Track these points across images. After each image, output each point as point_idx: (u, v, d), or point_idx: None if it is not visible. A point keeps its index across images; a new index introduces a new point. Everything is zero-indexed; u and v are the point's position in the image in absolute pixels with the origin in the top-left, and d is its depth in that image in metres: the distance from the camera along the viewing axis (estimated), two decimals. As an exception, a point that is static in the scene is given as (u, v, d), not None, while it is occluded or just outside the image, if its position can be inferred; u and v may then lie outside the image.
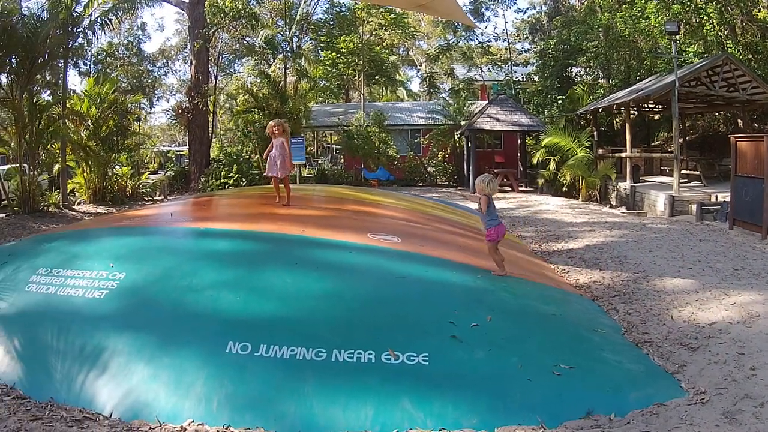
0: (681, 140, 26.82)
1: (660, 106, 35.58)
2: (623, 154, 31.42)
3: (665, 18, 33.07)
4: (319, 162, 54.72)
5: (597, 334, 9.11)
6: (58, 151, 32.82)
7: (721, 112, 38.20)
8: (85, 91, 35.45)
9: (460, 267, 11.48)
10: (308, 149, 51.62)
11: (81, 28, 31.83)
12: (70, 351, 8.08)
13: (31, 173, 27.57)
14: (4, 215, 26.09)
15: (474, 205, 13.10)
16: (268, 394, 7.19)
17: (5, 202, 29.38)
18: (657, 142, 41.69)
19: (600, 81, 44.50)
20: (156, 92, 77.62)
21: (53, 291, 9.65)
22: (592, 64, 44.70)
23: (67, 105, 32.52)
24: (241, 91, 47.48)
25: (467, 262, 11.94)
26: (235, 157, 41.03)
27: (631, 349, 8.77)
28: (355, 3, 52.40)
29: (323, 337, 7.99)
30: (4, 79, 27.98)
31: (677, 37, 28.54)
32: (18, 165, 27.58)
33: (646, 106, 35.57)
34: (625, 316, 10.54)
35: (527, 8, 74.65)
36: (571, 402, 7.03)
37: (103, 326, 8.49)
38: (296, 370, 7.44)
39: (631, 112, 33.48)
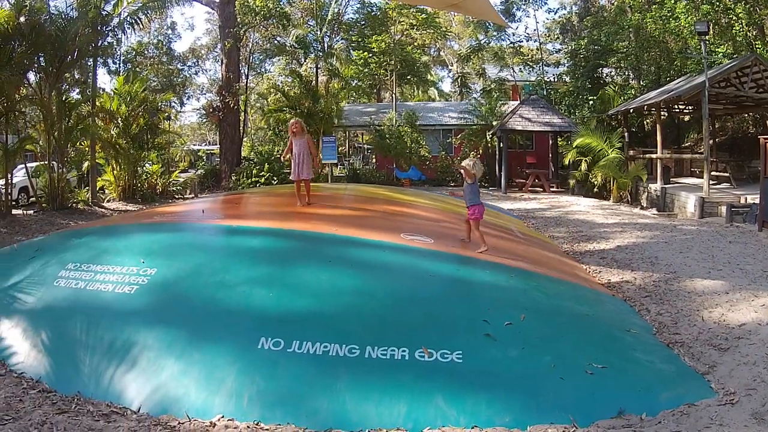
0: (711, 142, 26.63)
1: (690, 107, 35.30)
2: (654, 156, 31.17)
3: (695, 18, 32.89)
4: (351, 161, 54.63)
5: (629, 334, 9.09)
6: (87, 148, 33.03)
7: (751, 114, 37.92)
8: (115, 89, 35.65)
9: (492, 266, 11.47)
10: (340, 149, 51.53)
11: (110, 27, 31.98)
12: (99, 345, 8.14)
13: (60, 170, 27.66)
14: (32, 212, 26.25)
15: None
16: (300, 390, 7.20)
17: (33, 198, 29.54)
18: (687, 144, 41.42)
19: (631, 82, 44.24)
20: (186, 91, 77.48)
21: (83, 286, 9.70)
22: (622, 65, 44.43)
23: (97, 103, 32.66)
24: (272, 90, 47.44)
25: (500, 262, 11.92)
26: (266, 155, 41.20)
27: (663, 350, 8.76)
28: (387, 3, 52.46)
29: (357, 334, 7.99)
30: (32, 77, 28.06)
31: (707, 37, 28.33)
32: (47, 162, 27.67)
33: (676, 107, 35.28)
34: (657, 316, 10.51)
35: (558, 8, 74.32)
36: (603, 401, 7.02)
37: (132, 321, 8.54)
38: (329, 367, 7.46)
39: (662, 113, 33.22)
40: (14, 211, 25.54)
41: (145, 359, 7.77)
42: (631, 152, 34.93)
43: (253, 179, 39.16)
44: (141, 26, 35.70)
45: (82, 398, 7.31)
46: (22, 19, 23.83)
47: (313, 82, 46.21)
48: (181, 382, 7.39)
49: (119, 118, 33.58)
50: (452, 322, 8.51)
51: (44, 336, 8.63)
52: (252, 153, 49.28)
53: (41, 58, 26.93)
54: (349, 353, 7.61)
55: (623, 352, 8.37)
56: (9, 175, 25.51)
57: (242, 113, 50.28)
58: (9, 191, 25.46)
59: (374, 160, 50.95)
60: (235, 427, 6.70)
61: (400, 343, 7.79)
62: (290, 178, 15.81)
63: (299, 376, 7.36)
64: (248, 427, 6.71)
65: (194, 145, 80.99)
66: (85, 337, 8.35)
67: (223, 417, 6.87)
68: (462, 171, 13.18)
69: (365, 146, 60.38)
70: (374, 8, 56.70)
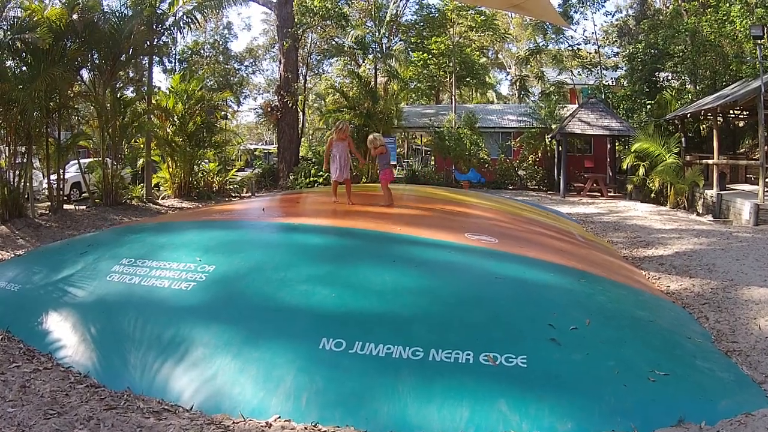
0: (766, 148, 26.28)
1: (746, 113, 34.97)
2: (710, 161, 30.90)
3: (749, 22, 32.58)
4: (410, 163, 54.71)
5: (690, 342, 8.88)
6: (142, 145, 33.41)
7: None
8: (171, 87, 35.96)
9: (557, 269, 11.35)
10: (398, 150, 51.62)
11: (166, 26, 32.24)
12: (152, 341, 8.18)
13: (114, 166, 27.94)
14: (84, 207, 26.40)
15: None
16: (360, 392, 7.11)
17: (86, 194, 29.91)
18: (742, 150, 41.02)
19: (687, 86, 43.84)
20: (243, 91, 77.89)
21: (137, 281, 9.76)
22: (679, 69, 44.05)
23: (153, 101, 32.96)
24: (330, 90, 47.70)
25: (564, 264, 11.84)
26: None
27: (721, 358, 8.56)
28: (445, 4, 52.55)
29: (421, 336, 7.88)
30: (86, 74, 28.22)
31: (762, 41, 27.97)
32: (101, 158, 27.99)
33: (731, 112, 34.97)
34: (715, 324, 10.34)
35: (614, 12, 73.98)
36: (664, 408, 6.86)
37: (188, 318, 8.56)
38: (391, 369, 7.35)
39: (718, 118, 32.86)
40: (66, 207, 25.61)
41: (200, 357, 7.77)
42: (688, 158, 34.61)
43: (311, 179, 39.72)
44: (197, 25, 35.90)
45: (132, 394, 7.33)
46: (74, 16, 23.89)
47: (372, 83, 46.29)
48: (237, 381, 7.37)
49: (175, 116, 33.90)
50: (518, 325, 8.39)
51: (94, 330, 8.68)
52: (310, 153, 50.04)
53: (95, 56, 27.07)
54: (412, 355, 7.50)
55: (684, 359, 8.18)
56: (61, 171, 25.69)
57: (300, 113, 50.44)
58: (61, 186, 25.69)
59: (433, 162, 50.95)
60: (291, 428, 6.64)
61: (465, 345, 7.65)
62: (333, 179, 15.89)
63: (360, 378, 7.27)
64: (305, 428, 6.65)
65: (251, 144, 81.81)
66: (137, 333, 8.39)
67: (279, 417, 6.81)
68: (373, 146, 15.56)
69: (423, 148, 60.38)
70: (432, 9, 56.76)
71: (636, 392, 7.06)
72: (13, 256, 15.83)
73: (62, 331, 8.85)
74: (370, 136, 15.80)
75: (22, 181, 22.36)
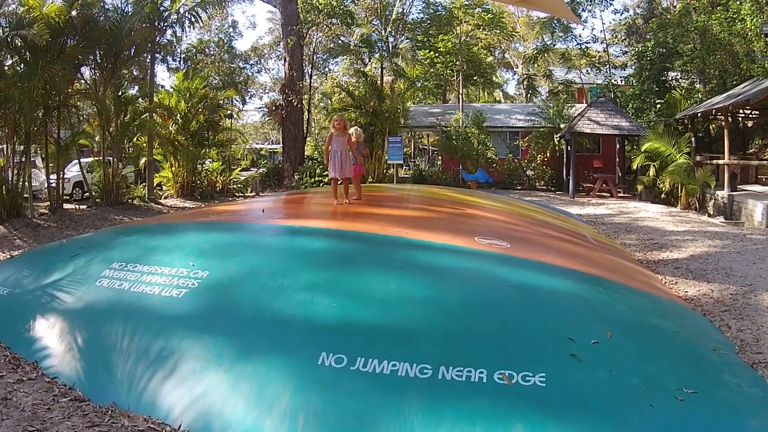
0: (777, 148, 26.00)
1: (755, 113, 34.62)
2: (721, 162, 30.50)
3: (760, 20, 32.26)
4: (416, 162, 54.50)
5: (715, 354, 8.40)
6: (144, 144, 33.18)
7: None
8: (174, 86, 35.93)
9: (573, 275, 10.85)
10: (405, 150, 51.46)
11: (168, 23, 32.21)
12: (140, 353, 7.81)
13: (115, 166, 27.83)
14: (85, 207, 26.37)
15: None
16: (362, 414, 6.58)
17: (87, 194, 29.84)
18: (751, 150, 40.75)
19: (696, 86, 43.63)
20: (249, 90, 78.11)
21: (127, 287, 9.39)
22: (688, 68, 43.81)
23: (155, 99, 32.89)
24: (336, 89, 47.62)
25: (580, 270, 11.40)
26: (331, 155, 41.43)
27: (748, 371, 8.09)
28: (452, 2, 52.60)
29: (429, 352, 7.34)
30: (87, 72, 28.09)
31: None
32: (102, 158, 27.89)
33: (741, 112, 34.63)
34: (738, 333, 9.90)
35: (622, 10, 73.99)
36: (692, 429, 6.41)
37: (178, 328, 8.16)
38: (397, 388, 6.81)
39: (728, 118, 32.49)
40: (66, 206, 25.64)
41: (191, 371, 7.33)
42: (698, 158, 34.26)
43: (317, 178, 39.70)
44: (200, 23, 36.27)
45: (117, 410, 6.95)
46: (74, 12, 23.75)
47: (378, 81, 46.32)
48: (228, 398, 6.89)
49: (178, 115, 33.85)
50: (535, 339, 7.86)
51: (81, 339, 8.36)
52: (315, 152, 49.71)
53: (96, 53, 26.87)
54: (420, 373, 6.94)
55: (711, 373, 7.71)
56: (60, 170, 25.52)
57: (306, 112, 50.71)
58: (62, 186, 25.67)
59: (440, 162, 50.72)
60: (286, 453, 6.20)
61: (478, 362, 7.10)
62: (330, 176, 15.57)
63: (363, 398, 6.74)
64: (301, 453, 6.19)
65: (257, 143, 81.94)
66: (125, 344, 8.00)
67: (273, 439, 6.35)
68: (352, 140, 15.67)
69: (430, 147, 60.31)
70: (439, 7, 56.56)
71: (663, 413, 6.57)
72: (8, 257, 15.67)
73: (49, 338, 8.57)
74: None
75: (21, 180, 22.15)
